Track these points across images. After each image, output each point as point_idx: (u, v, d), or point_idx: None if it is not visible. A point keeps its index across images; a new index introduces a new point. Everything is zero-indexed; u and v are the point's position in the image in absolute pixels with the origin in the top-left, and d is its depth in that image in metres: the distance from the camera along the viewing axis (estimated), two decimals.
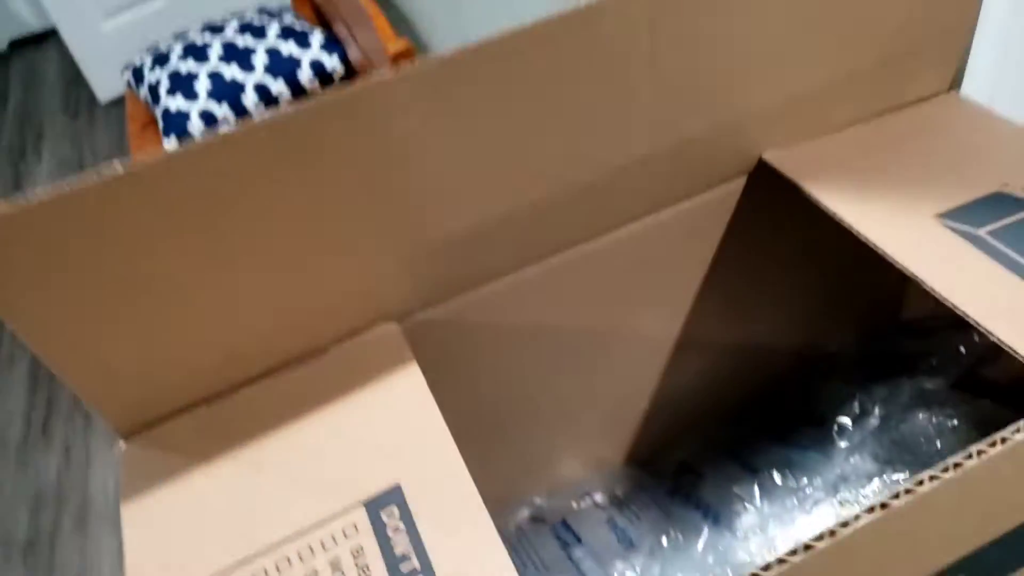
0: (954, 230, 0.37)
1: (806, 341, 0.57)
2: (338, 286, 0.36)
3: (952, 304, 0.33)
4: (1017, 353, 0.31)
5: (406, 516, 0.30)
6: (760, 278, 0.51)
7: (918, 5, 0.41)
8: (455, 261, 0.38)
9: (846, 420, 0.49)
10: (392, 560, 0.28)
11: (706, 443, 0.55)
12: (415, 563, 0.28)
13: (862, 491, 0.48)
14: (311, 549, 0.29)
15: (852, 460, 0.49)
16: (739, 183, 0.44)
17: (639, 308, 0.48)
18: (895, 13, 0.41)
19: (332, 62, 1.22)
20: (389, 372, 0.35)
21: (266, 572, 0.29)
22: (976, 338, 0.50)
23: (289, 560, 0.29)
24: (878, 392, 0.51)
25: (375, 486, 0.31)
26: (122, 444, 0.34)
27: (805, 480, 0.48)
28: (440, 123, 0.32)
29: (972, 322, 0.32)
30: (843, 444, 0.49)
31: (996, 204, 0.38)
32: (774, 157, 0.43)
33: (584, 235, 0.41)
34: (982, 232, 0.37)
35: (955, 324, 0.35)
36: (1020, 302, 0.33)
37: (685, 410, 0.55)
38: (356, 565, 0.28)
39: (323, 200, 0.32)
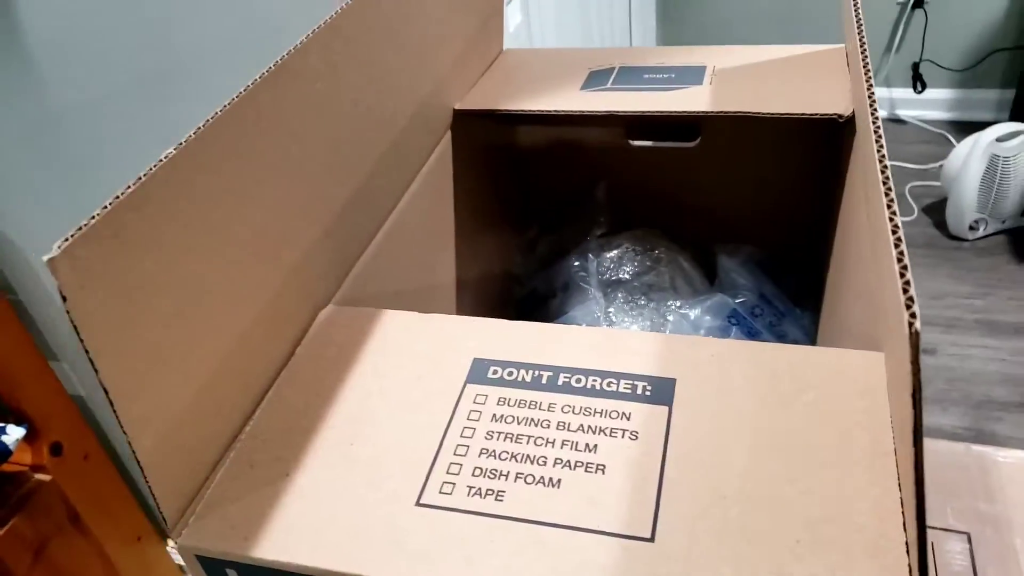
0: (595, 91, 0.57)
1: (504, 260, 0.72)
2: (270, 277, 0.37)
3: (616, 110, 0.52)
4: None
5: (502, 363, 0.35)
6: (480, 208, 0.64)
7: None
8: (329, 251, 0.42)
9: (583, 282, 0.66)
10: (528, 384, 0.34)
11: None
12: (541, 372, 0.34)
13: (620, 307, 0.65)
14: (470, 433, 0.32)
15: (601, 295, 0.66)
16: (447, 138, 0.57)
17: (437, 266, 0.57)
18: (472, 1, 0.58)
19: None
20: (363, 327, 0.38)
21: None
22: (599, 193, 0.72)
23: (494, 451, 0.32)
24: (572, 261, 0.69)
25: (459, 372, 0.35)
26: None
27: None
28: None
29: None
30: (591, 289, 0.66)
31: (599, 75, 0.59)
32: (462, 104, 0.57)
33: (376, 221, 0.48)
34: (609, 85, 0.57)
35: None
36: (663, 98, 0.54)
37: None
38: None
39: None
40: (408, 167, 0.51)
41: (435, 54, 0.53)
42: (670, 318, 0.64)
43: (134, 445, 0.27)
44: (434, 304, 0.58)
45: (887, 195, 0.21)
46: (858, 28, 0.33)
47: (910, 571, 0.23)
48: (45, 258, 0.22)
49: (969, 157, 1.62)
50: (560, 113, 0.54)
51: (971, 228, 1.70)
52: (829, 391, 0.30)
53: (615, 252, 0.70)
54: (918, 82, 2.13)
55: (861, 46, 0.31)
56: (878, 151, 0.23)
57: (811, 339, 0.64)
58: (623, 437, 0.30)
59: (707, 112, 0.52)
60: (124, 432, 0.26)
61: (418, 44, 0.49)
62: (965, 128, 2.00)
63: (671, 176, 0.70)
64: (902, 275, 0.17)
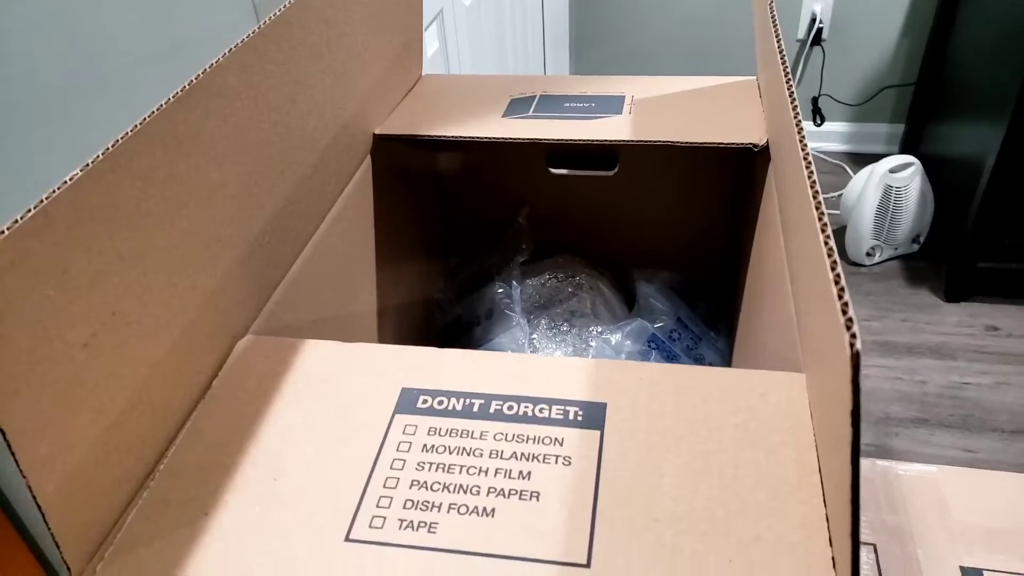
0: (516, 118, 0.57)
1: (425, 287, 0.72)
2: (183, 307, 0.35)
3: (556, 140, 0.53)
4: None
5: (431, 392, 0.34)
6: (401, 234, 0.63)
7: (400, 18, 0.59)
8: (257, 270, 0.40)
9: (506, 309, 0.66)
10: (459, 412, 0.33)
11: None
12: (472, 400, 0.33)
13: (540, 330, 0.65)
14: (400, 464, 0.31)
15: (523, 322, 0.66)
16: (367, 163, 0.56)
17: (357, 292, 0.56)
18: (391, 24, 0.58)
19: None
20: (284, 358, 0.37)
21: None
22: (521, 219, 0.73)
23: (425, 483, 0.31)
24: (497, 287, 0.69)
25: (387, 403, 0.34)
26: None
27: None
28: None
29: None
30: (515, 316, 0.66)
31: (520, 103, 0.60)
32: (382, 129, 0.56)
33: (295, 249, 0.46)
34: (530, 113, 0.58)
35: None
36: (583, 127, 0.55)
37: None
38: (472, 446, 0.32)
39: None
40: (328, 191, 0.50)
41: (356, 76, 0.52)
42: (592, 343, 0.65)
43: (35, 490, 0.25)
44: (355, 332, 0.56)
45: (820, 219, 0.22)
46: (782, 60, 0.35)
47: None
48: None
49: (865, 187, 1.72)
50: (483, 140, 0.55)
51: (868, 254, 1.80)
52: (755, 413, 0.31)
53: (538, 279, 0.70)
54: (817, 115, 2.25)
55: (786, 76, 0.33)
56: (808, 177, 0.24)
57: (726, 361, 0.66)
58: (556, 463, 0.30)
59: (627, 141, 0.53)
60: (24, 477, 0.24)
61: (340, 65, 0.49)
62: (861, 160, 2.12)
63: (590, 203, 0.72)
64: (840, 296, 0.18)
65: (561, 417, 0.32)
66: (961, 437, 1.34)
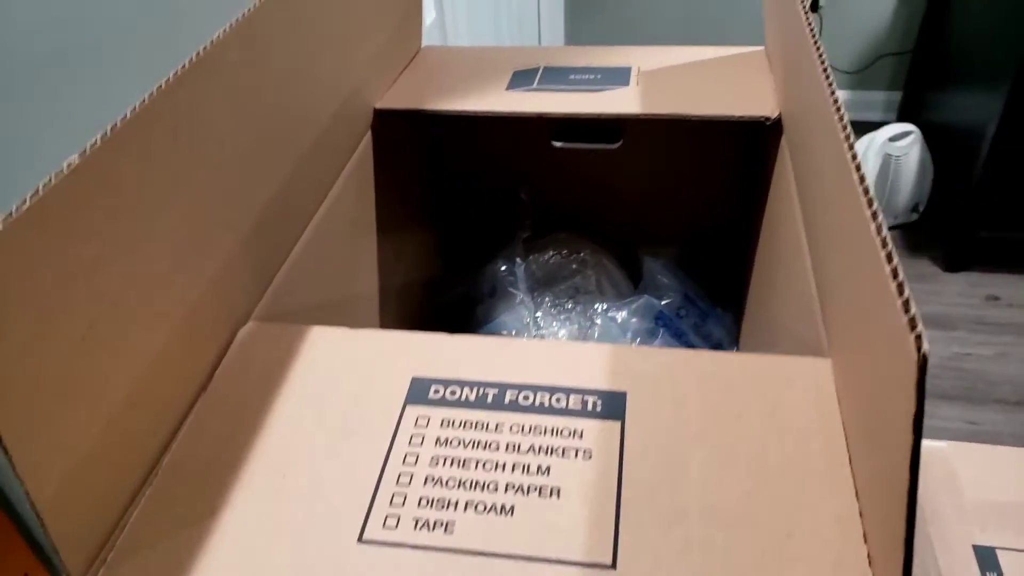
0: (520, 91, 0.55)
1: (427, 265, 0.70)
2: (184, 295, 0.34)
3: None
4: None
5: (443, 382, 0.33)
6: (402, 211, 0.62)
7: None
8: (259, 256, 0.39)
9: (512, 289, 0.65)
10: (472, 403, 0.32)
11: None
12: (486, 390, 0.32)
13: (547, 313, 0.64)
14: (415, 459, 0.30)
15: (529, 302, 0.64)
16: (368, 138, 0.54)
17: (359, 273, 0.54)
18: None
19: None
20: (288, 346, 0.35)
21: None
22: (524, 195, 0.71)
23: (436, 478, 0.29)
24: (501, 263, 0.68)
25: (397, 393, 0.32)
26: None
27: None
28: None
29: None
30: (519, 294, 0.64)
31: (524, 75, 0.58)
32: (383, 103, 0.54)
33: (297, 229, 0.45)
34: (534, 86, 0.56)
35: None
36: (588, 100, 0.53)
37: None
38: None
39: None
40: (329, 169, 0.49)
41: (356, 50, 0.50)
42: (598, 321, 0.64)
43: (32, 495, 0.23)
44: (358, 314, 0.55)
45: (870, 205, 0.20)
46: (809, 27, 0.33)
47: None
48: None
49: (864, 156, 1.70)
50: (488, 114, 0.53)
51: None
52: (780, 400, 0.30)
53: (541, 256, 0.69)
54: None
55: (816, 44, 0.31)
56: (849, 150, 0.23)
57: (733, 339, 0.65)
58: (577, 457, 0.29)
59: (636, 115, 0.51)
60: (20, 481, 0.23)
61: (339, 39, 0.47)
62: (859, 128, 2.10)
63: (594, 178, 0.70)
64: (900, 292, 0.17)
65: (579, 408, 0.31)
66: (964, 409, 1.34)
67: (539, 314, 0.64)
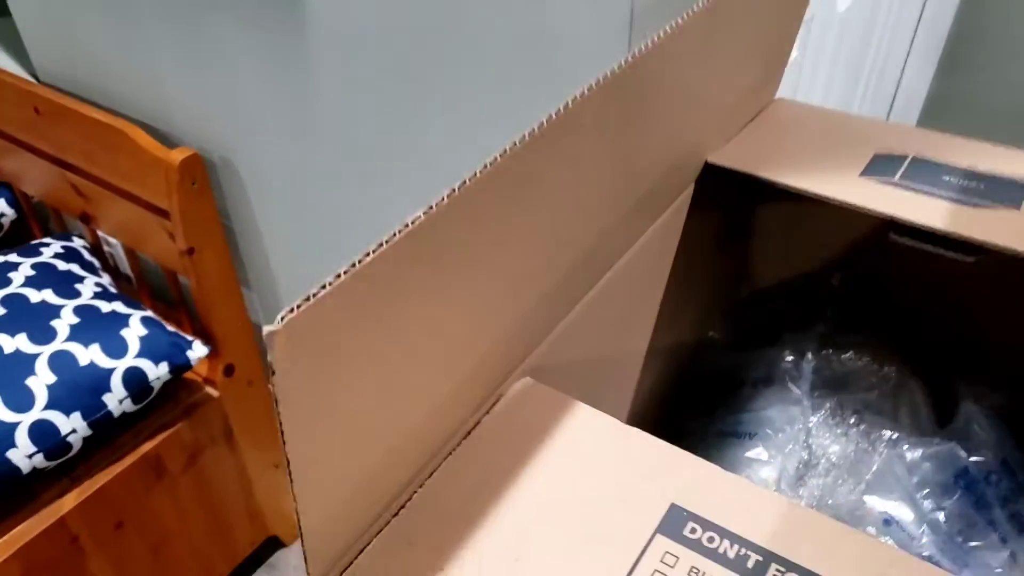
0: (879, 182, 0.48)
1: (702, 327, 0.66)
2: (480, 345, 0.33)
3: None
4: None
5: (703, 523, 0.29)
6: (699, 268, 0.58)
7: (773, 38, 0.52)
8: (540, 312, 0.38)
9: (793, 371, 0.58)
10: (730, 562, 0.28)
11: (678, 433, 0.60)
12: (749, 552, 0.28)
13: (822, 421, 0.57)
14: None
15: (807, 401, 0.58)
16: (689, 190, 0.51)
17: (635, 327, 0.52)
18: (763, 46, 0.51)
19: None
20: (555, 419, 0.34)
21: None
22: (835, 281, 0.64)
23: None
24: (784, 349, 0.61)
25: (651, 516, 0.30)
26: None
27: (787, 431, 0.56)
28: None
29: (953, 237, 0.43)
30: (797, 392, 0.58)
31: (886, 162, 0.50)
32: (717, 158, 0.51)
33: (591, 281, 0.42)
34: (896, 179, 0.48)
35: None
36: (961, 215, 0.45)
37: (651, 412, 0.60)
38: None
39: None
40: (644, 219, 0.46)
41: (712, 99, 0.47)
42: (881, 451, 0.55)
43: (301, 513, 0.24)
44: (621, 371, 0.53)
45: None
46: None
47: None
48: (266, 331, 0.20)
49: None
50: (835, 202, 0.47)
51: None
52: None
53: (837, 354, 0.61)
54: None
55: None
56: None
57: None
58: None
59: (1021, 252, 0.42)
60: (295, 501, 0.24)
61: (695, 99, 0.44)
62: None
63: (929, 286, 0.60)
64: None
65: None
66: None
67: (814, 419, 0.57)
